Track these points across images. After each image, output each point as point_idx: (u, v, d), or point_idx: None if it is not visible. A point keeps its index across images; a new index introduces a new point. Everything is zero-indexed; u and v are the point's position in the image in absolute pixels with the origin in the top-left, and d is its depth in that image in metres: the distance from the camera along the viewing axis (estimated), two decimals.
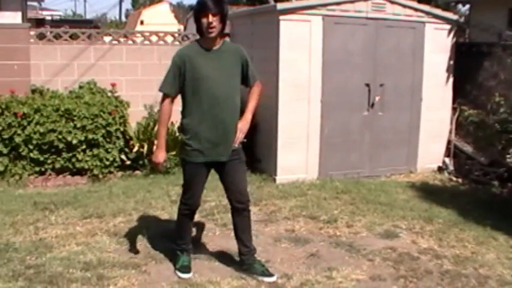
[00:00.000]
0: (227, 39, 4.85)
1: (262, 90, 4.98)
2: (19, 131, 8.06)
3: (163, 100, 4.85)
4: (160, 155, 4.84)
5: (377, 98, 8.63)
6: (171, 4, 43.11)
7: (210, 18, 4.48)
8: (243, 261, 5.05)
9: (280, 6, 8.18)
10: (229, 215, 5.11)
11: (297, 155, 8.23)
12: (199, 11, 4.55)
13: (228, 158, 4.75)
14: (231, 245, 5.40)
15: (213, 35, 4.55)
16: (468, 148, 9.28)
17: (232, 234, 5.13)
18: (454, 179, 8.83)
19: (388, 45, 8.68)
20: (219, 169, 4.86)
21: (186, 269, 4.99)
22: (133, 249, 5.48)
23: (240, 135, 4.73)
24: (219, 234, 5.98)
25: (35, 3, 23.99)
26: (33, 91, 9.01)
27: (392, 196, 7.61)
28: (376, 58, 8.62)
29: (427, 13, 8.94)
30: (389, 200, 7.38)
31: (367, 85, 8.59)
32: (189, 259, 5.09)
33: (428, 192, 7.91)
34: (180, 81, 4.72)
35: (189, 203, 4.98)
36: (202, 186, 4.95)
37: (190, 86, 4.68)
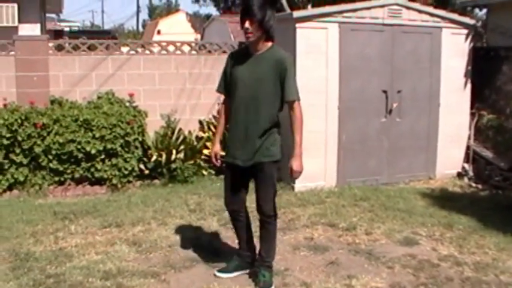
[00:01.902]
0: (277, 46, 4.80)
1: (302, 113, 4.77)
2: (39, 142, 8.12)
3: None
4: (213, 151, 5.07)
5: (394, 105, 8.60)
6: (187, 14, 43.25)
7: (247, 24, 4.52)
8: (254, 265, 5.10)
9: (296, 13, 8.21)
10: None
11: (315, 162, 8.19)
12: (240, 14, 4.63)
13: (244, 164, 4.74)
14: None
15: (250, 40, 4.60)
16: (487, 153, 9.19)
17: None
18: (474, 184, 8.75)
19: (405, 51, 8.66)
20: (250, 174, 4.88)
21: (224, 269, 5.11)
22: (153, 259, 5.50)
23: (296, 175, 4.81)
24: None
25: (53, 15, 24.24)
26: (52, 102, 9.07)
27: (411, 203, 7.56)
28: (393, 64, 8.60)
29: (444, 18, 8.90)
30: (409, 206, 7.33)
31: (385, 91, 8.56)
32: (233, 261, 5.16)
33: (447, 198, 7.86)
34: (227, 80, 4.86)
35: (224, 203, 5.09)
36: (233, 189, 4.96)
37: (230, 87, 4.82)
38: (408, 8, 8.65)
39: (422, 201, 7.70)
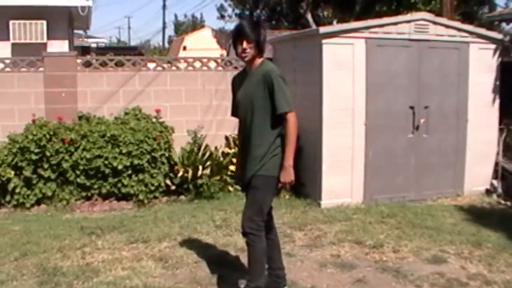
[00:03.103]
0: (266, 60, 4.78)
1: (296, 124, 4.58)
2: (66, 157, 8.20)
3: None
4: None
5: (422, 121, 8.54)
6: (213, 30, 43.46)
7: (245, 44, 4.56)
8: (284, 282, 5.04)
9: (322, 29, 8.21)
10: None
11: (342, 179, 8.17)
12: (235, 36, 4.67)
13: (248, 180, 4.71)
14: None
15: (246, 59, 4.64)
16: None
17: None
18: (503, 201, 8.64)
19: (432, 67, 8.61)
20: None
21: None
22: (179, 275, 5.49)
23: (284, 186, 4.74)
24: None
25: (81, 31, 24.55)
26: (80, 118, 9.18)
27: (439, 220, 7.47)
28: (420, 80, 8.54)
29: (471, 33, 8.84)
30: (436, 224, 7.25)
31: (412, 107, 8.51)
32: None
33: (476, 215, 7.75)
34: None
35: None
36: None
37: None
38: (435, 23, 8.61)
39: (450, 218, 7.61)
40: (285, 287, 5.07)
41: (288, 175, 4.57)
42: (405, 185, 8.60)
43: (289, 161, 4.55)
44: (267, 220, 4.77)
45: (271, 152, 4.60)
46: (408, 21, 8.45)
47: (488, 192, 9.05)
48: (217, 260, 5.89)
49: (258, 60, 4.68)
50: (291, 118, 4.53)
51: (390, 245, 6.39)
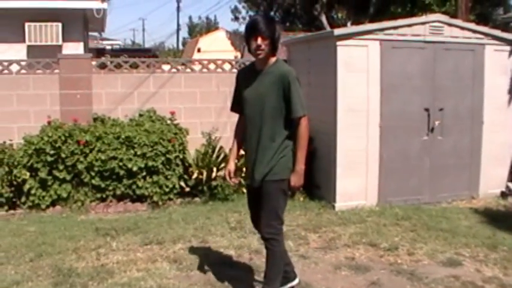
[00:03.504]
0: (281, 59, 4.71)
1: (308, 127, 4.53)
2: (81, 158, 8.24)
3: None
4: (227, 169, 4.98)
5: (436, 123, 8.50)
6: (227, 31, 43.56)
7: (259, 41, 4.41)
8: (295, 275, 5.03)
9: (337, 31, 8.19)
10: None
11: (356, 181, 8.15)
12: (249, 32, 4.50)
13: (258, 184, 4.60)
14: None
15: (260, 56, 4.49)
16: None
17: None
18: None
19: (447, 69, 8.57)
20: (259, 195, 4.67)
21: None
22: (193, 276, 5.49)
23: (294, 190, 4.64)
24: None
25: (96, 34, 24.65)
26: (95, 119, 9.22)
27: (454, 223, 7.43)
28: (434, 82, 8.51)
29: (486, 35, 8.80)
30: (451, 226, 7.21)
31: (427, 110, 8.48)
32: None
33: (491, 218, 7.70)
34: (238, 99, 4.79)
35: (251, 220, 5.02)
36: (254, 210, 4.84)
37: (242, 105, 4.75)
38: (450, 24, 8.58)
39: (465, 221, 7.57)
40: (296, 278, 5.07)
41: (299, 179, 4.54)
42: (420, 187, 8.57)
43: (301, 164, 4.52)
44: None
45: (279, 153, 4.53)
46: (423, 23, 8.42)
47: (503, 194, 8.99)
48: (231, 261, 5.91)
49: (272, 59, 4.57)
50: (304, 122, 4.49)
51: (405, 247, 6.36)
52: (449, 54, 8.55)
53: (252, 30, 4.46)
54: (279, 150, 4.53)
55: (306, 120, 4.50)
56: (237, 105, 4.83)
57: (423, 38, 8.38)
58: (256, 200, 4.71)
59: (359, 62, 8.09)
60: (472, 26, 8.93)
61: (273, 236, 4.57)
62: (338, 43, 8.01)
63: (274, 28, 4.46)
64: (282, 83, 4.45)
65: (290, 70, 4.54)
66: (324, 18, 25.21)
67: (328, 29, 20.74)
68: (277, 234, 4.59)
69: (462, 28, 8.67)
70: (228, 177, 4.95)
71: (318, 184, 8.57)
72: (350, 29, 9.05)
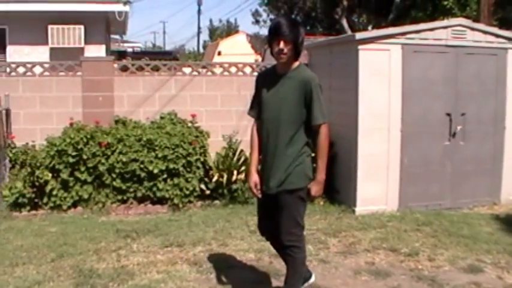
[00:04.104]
0: (303, 64, 4.64)
1: (328, 136, 4.44)
2: (103, 160, 8.29)
3: None
4: (252, 180, 4.66)
5: (458, 128, 8.44)
6: (247, 35, 43.67)
7: (282, 45, 4.30)
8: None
9: (359, 35, 8.18)
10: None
11: (377, 185, 8.12)
12: (272, 35, 4.39)
13: (273, 192, 4.48)
14: None
15: (282, 61, 4.39)
16: None
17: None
18: None
19: (469, 73, 8.51)
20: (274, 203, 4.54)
21: None
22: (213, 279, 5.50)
23: (314, 198, 4.57)
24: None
25: (117, 36, 24.84)
26: (117, 121, 9.29)
27: (475, 229, 7.37)
28: (456, 86, 8.46)
29: (510, 39, 8.72)
30: (473, 232, 7.15)
31: (448, 114, 8.42)
32: None
33: None
34: (258, 103, 4.67)
35: (258, 228, 4.95)
36: (266, 216, 4.73)
37: (260, 109, 4.64)
38: (472, 29, 8.52)
39: (487, 227, 7.50)
40: (312, 276, 5.06)
41: (320, 189, 4.46)
42: (441, 193, 8.51)
43: (322, 174, 4.44)
44: None
45: (296, 161, 4.42)
46: (445, 27, 8.37)
47: None
48: (251, 265, 5.91)
49: (294, 64, 4.46)
50: (324, 130, 4.39)
51: (426, 253, 6.32)
52: (472, 59, 8.49)
53: (274, 33, 4.36)
54: (296, 157, 4.43)
55: (326, 128, 4.41)
56: (255, 109, 4.72)
57: (445, 42, 8.33)
58: (268, 207, 4.62)
59: (380, 66, 8.06)
60: (495, 30, 8.87)
61: (294, 243, 4.50)
62: (360, 47, 7.99)
63: (298, 32, 4.35)
64: (303, 89, 4.35)
65: (313, 76, 4.44)
66: (344, 22, 25.15)
67: (349, 32, 20.70)
68: (298, 241, 4.53)
69: (485, 32, 8.62)
70: (254, 190, 4.64)
71: (338, 188, 8.55)
72: (372, 33, 9.03)
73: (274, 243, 4.84)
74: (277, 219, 4.50)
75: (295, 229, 4.49)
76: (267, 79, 4.62)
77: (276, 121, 4.45)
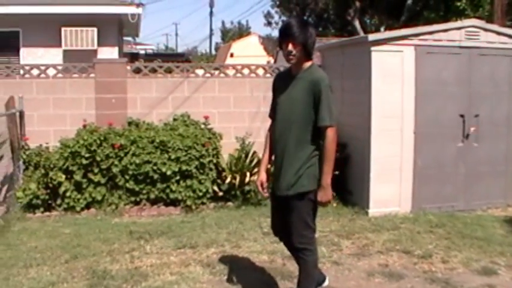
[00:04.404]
0: (316, 65, 4.62)
1: (335, 140, 4.35)
2: (116, 162, 8.32)
3: None
4: (259, 179, 4.76)
5: (472, 129, 8.40)
6: (260, 36, 43.72)
7: (290, 47, 4.32)
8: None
9: (371, 36, 8.15)
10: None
11: (390, 187, 8.09)
12: (281, 36, 4.41)
13: (282, 193, 4.49)
14: None
15: (292, 62, 4.41)
16: None
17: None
18: None
19: (483, 74, 8.47)
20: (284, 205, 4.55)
21: None
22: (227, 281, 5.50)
23: (322, 205, 4.45)
24: None
25: (130, 38, 24.94)
26: (130, 123, 9.31)
27: (489, 231, 7.33)
28: (470, 88, 8.41)
29: None
30: (486, 234, 7.11)
31: (462, 116, 8.38)
32: None
33: None
34: (274, 104, 4.69)
35: (271, 228, 4.94)
36: (278, 217, 4.71)
37: (275, 110, 4.66)
38: (486, 30, 8.48)
39: (500, 229, 7.46)
40: (325, 279, 5.07)
41: (326, 195, 4.38)
42: (454, 195, 8.47)
43: (327, 180, 4.36)
44: None
45: (307, 162, 4.40)
46: (458, 28, 8.33)
47: None
48: (264, 267, 5.91)
49: (306, 64, 4.45)
50: (330, 133, 4.31)
51: (439, 255, 6.30)
52: (485, 60, 8.44)
53: (284, 35, 4.38)
54: (307, 160, 4.41)
55: (333, 131, 4.33)
56: (272, 111, 4.74)
57: (458, 43, 8.29)
58: (280, 208, 4.63)
59: (393, 68, 8.04)
60: (509, 31, 8.81)
61: (306, 246, 4.50)
62: (372, 48, 7.97)
63: (307, 33, 4.35)
64: (312, 90, 4.32)
65: (323, 77, 4.39)
66: (357, 23, 25.12)
67: (361, 34, 20.67)
68: (309, 243, 4.52)
69: (498, 33, 8.57)
70: (260, 188, 4.75)
71: (351, 190, 8.53)
72: (384, 34, 9.00)
73: (287, 244, 4.82)
74: (288, 222, 4.50)
75: (306, 231, 4.49)
76: (282, 80, 4.64)
77: (287, 122, 4.46)
